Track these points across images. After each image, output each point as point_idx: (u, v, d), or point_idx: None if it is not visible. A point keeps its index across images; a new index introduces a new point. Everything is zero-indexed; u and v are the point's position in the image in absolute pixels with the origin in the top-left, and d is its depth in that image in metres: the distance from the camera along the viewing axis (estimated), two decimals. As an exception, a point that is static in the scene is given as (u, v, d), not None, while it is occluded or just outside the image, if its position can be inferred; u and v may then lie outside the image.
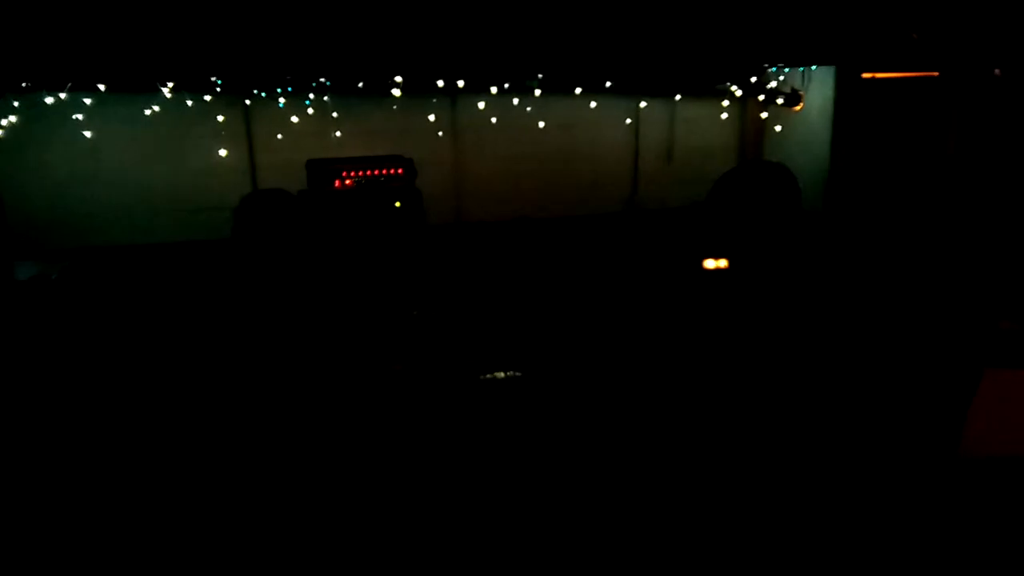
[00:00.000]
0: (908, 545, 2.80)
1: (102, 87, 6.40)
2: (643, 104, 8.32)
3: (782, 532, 2.97)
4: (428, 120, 7.83)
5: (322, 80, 7.05)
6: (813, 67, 7.64)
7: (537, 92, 7.21)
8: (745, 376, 3.66)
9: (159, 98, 6.97)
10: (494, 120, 7.80)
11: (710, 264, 5.33)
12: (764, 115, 8.19)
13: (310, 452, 3.50)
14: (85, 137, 6.85)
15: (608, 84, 7.46)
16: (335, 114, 7.63)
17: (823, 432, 3.23)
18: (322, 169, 7.65)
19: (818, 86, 7.65)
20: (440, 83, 6.72)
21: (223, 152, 7.39)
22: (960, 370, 3.08)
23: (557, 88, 7.34)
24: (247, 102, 7.65)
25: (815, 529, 2.94)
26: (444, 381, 4.29)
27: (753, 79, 7.81)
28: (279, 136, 7.78)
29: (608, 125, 8.58)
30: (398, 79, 6.67)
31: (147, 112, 7.15)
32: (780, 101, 7.89)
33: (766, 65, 7.79)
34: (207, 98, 7.22)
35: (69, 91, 6.32)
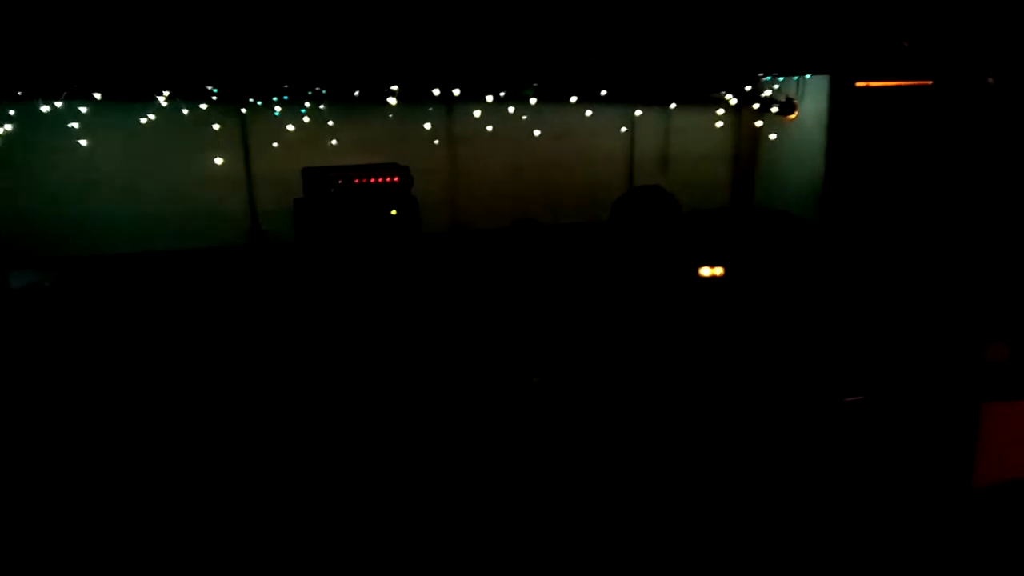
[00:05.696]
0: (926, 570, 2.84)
1: (98, 96, 6.39)
2: (638, 112, 8.34)
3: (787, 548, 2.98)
4: (424, 128, 7.84)
5: (318, 88, 7.06)
6: (807, 76, 7.68)
7: (532, 101, 7.23)
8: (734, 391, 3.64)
9: (155, 107, 6.96)
10: (490, 129, 7.80)
11: (705, 272, 5.34)
12: (759, 123, 8.21)
13: (322, 458, 3.48)
14: (81, 146, 6.84)
15: (603, 93, 7.48)
16: (331, 122, 7.63)
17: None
18: (318, 177, 7.65)
19: (813, 95, 7.68)
20: (436, 91, 6.73)
21: (219, 160, 7.39)
22: (956, 411, 3.15)
23: (552, 97, 7.35)
24: (243, 111, 7.64)
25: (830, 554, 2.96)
26: (462, 385, 4.29)
27: (748, 88, 7.84)
28: (275, 144, 7.77)
29: (603, 133, 8.60)
30: (394, 87, 6.67)
31: (143, 121, 7.14)
32: (775, 110, 7.92)
33: (761, 74, 7.82)
34: (203, 107, 7.22)
35: (64, 99, 6.31)
